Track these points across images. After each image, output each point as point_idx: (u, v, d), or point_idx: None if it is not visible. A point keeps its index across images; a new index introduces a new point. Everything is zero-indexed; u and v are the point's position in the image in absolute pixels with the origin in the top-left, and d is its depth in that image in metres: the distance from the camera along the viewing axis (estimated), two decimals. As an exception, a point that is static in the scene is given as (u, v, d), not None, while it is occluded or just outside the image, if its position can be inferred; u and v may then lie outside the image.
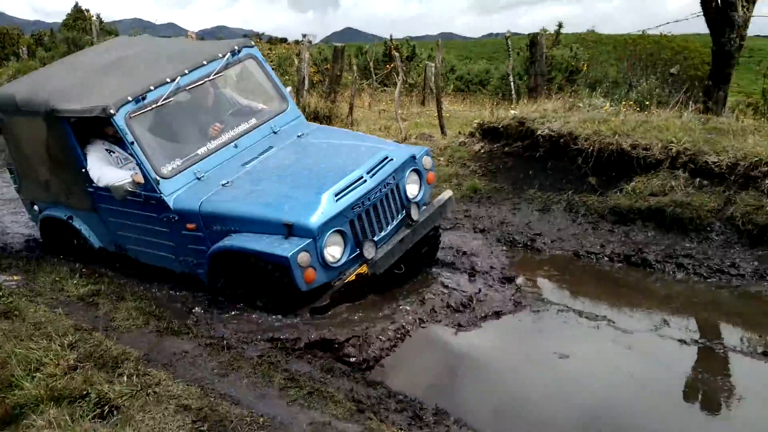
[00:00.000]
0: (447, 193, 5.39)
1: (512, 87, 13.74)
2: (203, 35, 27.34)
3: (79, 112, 5.14)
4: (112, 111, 4.89)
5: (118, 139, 5.22)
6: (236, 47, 5.60)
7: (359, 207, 4.74)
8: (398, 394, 4.05)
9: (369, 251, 4.73)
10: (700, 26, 8.58)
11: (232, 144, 5.36)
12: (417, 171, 5.21)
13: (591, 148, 6.84)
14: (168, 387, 3.68)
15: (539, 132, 7.43)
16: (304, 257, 4.45)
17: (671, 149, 6.39)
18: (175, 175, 5.03)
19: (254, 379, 3.97)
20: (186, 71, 5.27)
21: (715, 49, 8.46)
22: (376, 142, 5.48)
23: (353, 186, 4.76)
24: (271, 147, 5.38)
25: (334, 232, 4.58)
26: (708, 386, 4.06)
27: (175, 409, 3.45)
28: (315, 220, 4.52)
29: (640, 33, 16.01)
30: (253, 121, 5.57)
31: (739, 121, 7.51)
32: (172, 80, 5.17)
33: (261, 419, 3.45)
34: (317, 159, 5.16)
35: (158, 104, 5.10)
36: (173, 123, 5.28)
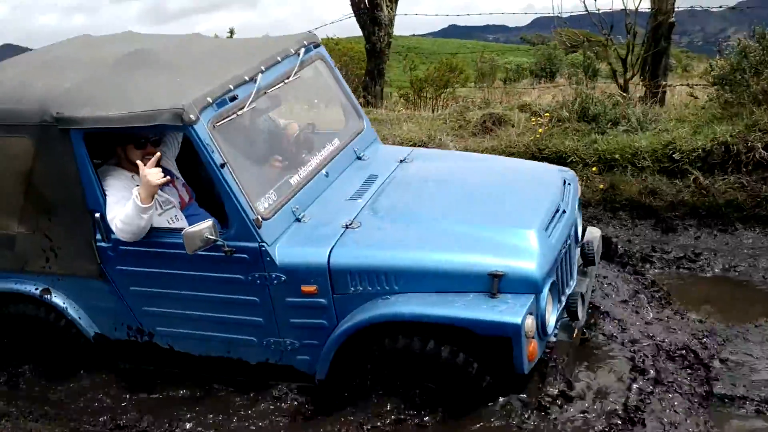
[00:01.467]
0: (596, 232, 4.19)
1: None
2: None
3: (115, 121, 3.26)
4: (192, 116, 3.13)
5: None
6: (307, 42, 4.05)
7: (564, 248, 3.43)
8: None
9: (582, 311, 3.42)
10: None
11: (323, 172, 3.78)
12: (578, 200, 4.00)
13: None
14: None
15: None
16: (530, 324, 3.02)
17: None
18: (274, 214, 3.36)
19: None
20: (263, 68, 3.62)
21: (368, 47, 9.50)
22: (520, 164, 4.20)
23: (556, 218, 3.45)
24: (375, 176, 3.87)
25: (552, 284, 3.21)
26: None
27: None
28: (537, 266, 3.12)
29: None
30: (336, 142, 4.03)
31: (394, 111, 8.65)
32: (251, 79, 3.51)
33: None
34: (470, 188, 3.75)
35: (241, 111, 3.41)
36: (256, 140, 3.59)
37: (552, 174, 3.91)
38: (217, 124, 3.24)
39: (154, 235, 3.43)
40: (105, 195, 3.44)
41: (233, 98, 3.34)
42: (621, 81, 8.44)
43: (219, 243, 3.21)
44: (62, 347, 3.88)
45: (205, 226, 3.18)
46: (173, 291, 3.53)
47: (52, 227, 3.63)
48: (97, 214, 3.46)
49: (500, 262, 3.08)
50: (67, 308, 3.77)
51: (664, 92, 8.74)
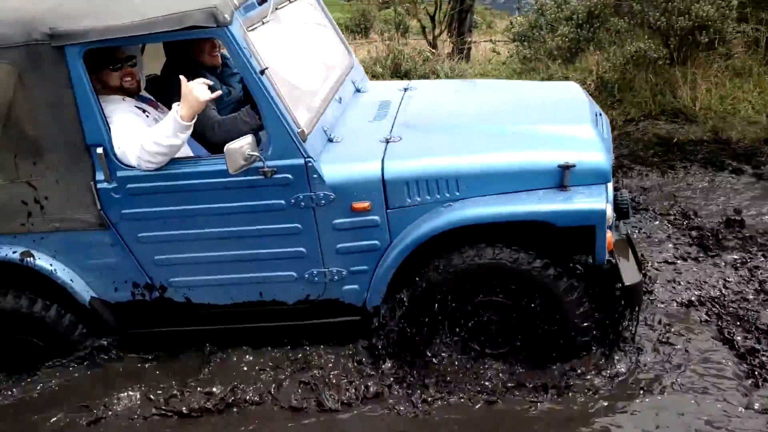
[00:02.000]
0: None
1: None
2: None
3: (134, 29, 2.81)
4: (226, 16, 2.76)
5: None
6: None
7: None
8: None
9: (631, 211, 3.42)
10: None
11: (336, 97, 3.51)
12: None
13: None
14: None
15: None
16: (609, 211, 2.95)
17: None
18: (311, 131, 3.06)
19: None
20: None
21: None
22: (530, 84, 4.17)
23: (598, 118, 3.41)
24: (387, 101, 3.66)
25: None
26: None
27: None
28: (605, 156, 3.05)
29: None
30: (338, 72, 3.78)
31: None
32: None
33: None
34: (498, 100, 3.65)
35: (267, 19, 3.08)
36: (282, 53, 3.24)
37: (566, 85, 3.92)
38: (249, 30, 2.91)
39: (171, 165, 3.01)
40: (108, 125, 2.98)
41: (262, 1, 3.02)
42: (430, 37, 8.79)
43: (258, 164, 2.88)
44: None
45: (246, 141, 2.83)
46: (193, 231, 3.10)
47: (37, 173, 3.08)
48: (99, 149, 2.98)
49: (568, 155, 2.99)
50: (55, 271, 3.21)
51: (470, 48, 9.25)
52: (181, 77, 2.94)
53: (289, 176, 2.95)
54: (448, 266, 3.01)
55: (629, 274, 3.03)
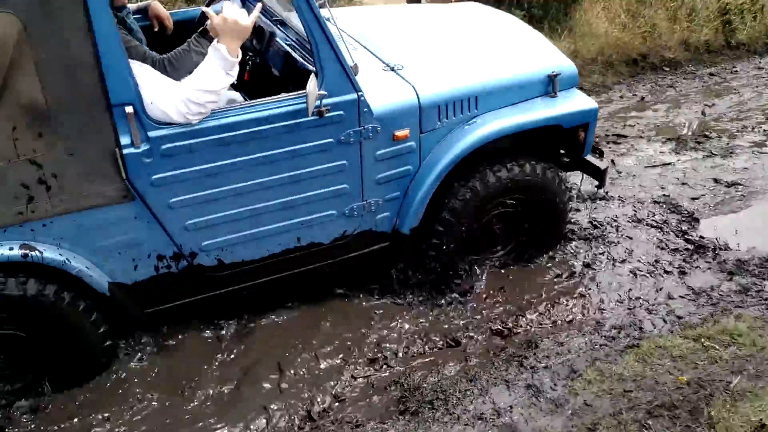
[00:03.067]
0: None
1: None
2: None
3: None
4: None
5: None
6: None
7: None
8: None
9: None
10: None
11: None
12: None
13: None
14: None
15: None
16: None
17: None
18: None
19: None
20: None
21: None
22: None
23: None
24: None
25: None
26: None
27: None
28: (573, 64, 3.54)
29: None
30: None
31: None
32: None
33: None
34: (443, 26, 3.87)
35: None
36: None
37: (472, 5, 4.26)
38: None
39: (211, 117, 2.71)
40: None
41: None
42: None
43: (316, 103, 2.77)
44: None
45: (312, 83, 2.70)
46: (232, 186, 2.85)
47: (42, 147, 2.49)
48: (129, 108, 2.53)
49: (552, 64, 3.42)
50: (68, 260, 2.68)
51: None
52: (205, 9, 2.63)
53: (342, 113, 2.88)
54: (496, 179, 3.30)
55: (598, 162, 3.66)
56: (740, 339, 3.22)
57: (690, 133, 5.51)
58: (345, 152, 2.99)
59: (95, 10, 2.36)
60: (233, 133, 2.74)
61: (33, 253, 2.60)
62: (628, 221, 4.19)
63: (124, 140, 2.58)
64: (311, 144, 2.90)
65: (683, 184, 4.70)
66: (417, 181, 3.21)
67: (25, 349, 2.83)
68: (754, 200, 4.54)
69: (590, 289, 3.62)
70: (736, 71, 7.13)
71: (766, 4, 7.89)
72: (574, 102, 3.40)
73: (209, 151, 2.73)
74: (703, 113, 5.88)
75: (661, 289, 3.62)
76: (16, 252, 2.58)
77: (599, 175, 3.63)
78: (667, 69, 7.00)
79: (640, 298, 3.56)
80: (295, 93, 2.81)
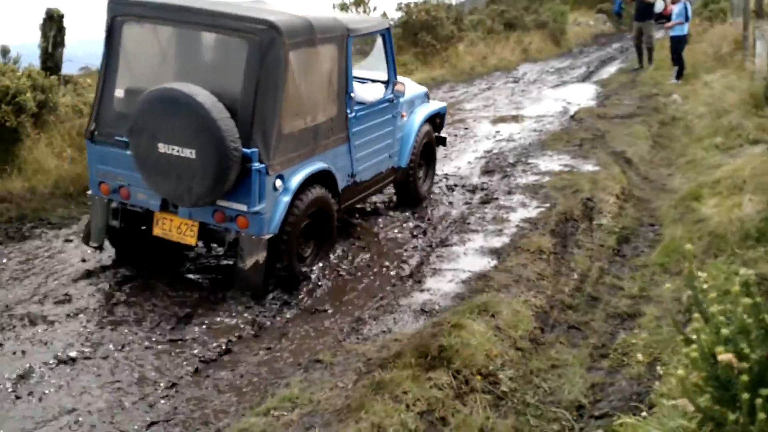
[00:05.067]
0: None
1: None
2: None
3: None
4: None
5: None
6: None
7: None
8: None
9: None
10: None
11: None
12: None
13: None
14: None
15: None
16: None
17: None
18: None
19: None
20: None
21: None
22: None
23: None
24: None
25: None
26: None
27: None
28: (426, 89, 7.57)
29: None
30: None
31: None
32: None
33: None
34: None
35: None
36: None
37: None
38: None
39: (372, 104, 5.97)
40: None
41: None
42: None
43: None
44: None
45: (391, 89, 6.15)
46: (371, 136, 6.04)
47: (333, 110, 5.36)
48: (353, 93, 5.60)
49: (424, 89, 7.37)
50: (335, 174, 5.46)
51: None
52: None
53: (394, 101, 6.30)
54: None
55: (444, 134, 7.64)
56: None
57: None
58: (393, 122, 6.39)
59: (349, 45, 5.43)
60: (374, 109, 5.97)
61: (330, 167, 5.31)
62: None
63: (349, 110, 5.56)
64: (386, 117, 6.22)
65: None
66: (404, 140, 6.69)
67: (311, 231, 5.32)
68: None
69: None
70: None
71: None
72: (436, 104, 7.37)
73: (362, 118, 5.83)
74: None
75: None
76: (326, 165, 5.27)
77: (443, 140, 7.61)
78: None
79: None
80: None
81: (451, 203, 7.15)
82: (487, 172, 8.24)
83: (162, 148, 4.58)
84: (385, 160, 6.39)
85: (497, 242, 6.01)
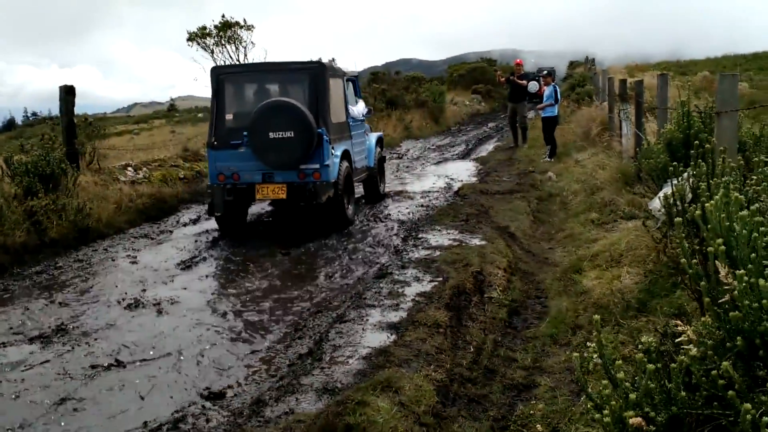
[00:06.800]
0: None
1: None
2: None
3: None
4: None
5: None
6: None
7: None
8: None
9: None
10: None
11: None
12: None
13: None
14: None
15: None
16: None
17: None
18: None
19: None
20: None
21: None
22: None
23: None
24: None
25: None
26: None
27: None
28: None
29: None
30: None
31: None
32: None
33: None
34: None
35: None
36: None
37: None
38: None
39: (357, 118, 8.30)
40: None
41: None
42: None
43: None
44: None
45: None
46: (359, 139, 8.87)
47: (344, 117, 8.96)
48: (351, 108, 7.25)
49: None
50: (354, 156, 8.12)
51: None
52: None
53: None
54: None
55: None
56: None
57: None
58: (366, 134, 7.99)
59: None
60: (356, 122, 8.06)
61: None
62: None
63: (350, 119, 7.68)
64: (363, 129, 7.97)
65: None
66: (370, 149, 8.47)
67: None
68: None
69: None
70: (60, 266, 8.15)
71: (67, 204, 9.01)
72: (376, 133, 8.67)
73: (353, 126, 7.97)
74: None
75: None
76: (346, 147, 7.29)
77: (384, 158, 9.52)
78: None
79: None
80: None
81: (345, 277, 7.17)
82: (379, 244, 8.41)
83: (272, 135, 8.09)
84: (364, 159, 9.36)
85: (395, 317, 6.02)
